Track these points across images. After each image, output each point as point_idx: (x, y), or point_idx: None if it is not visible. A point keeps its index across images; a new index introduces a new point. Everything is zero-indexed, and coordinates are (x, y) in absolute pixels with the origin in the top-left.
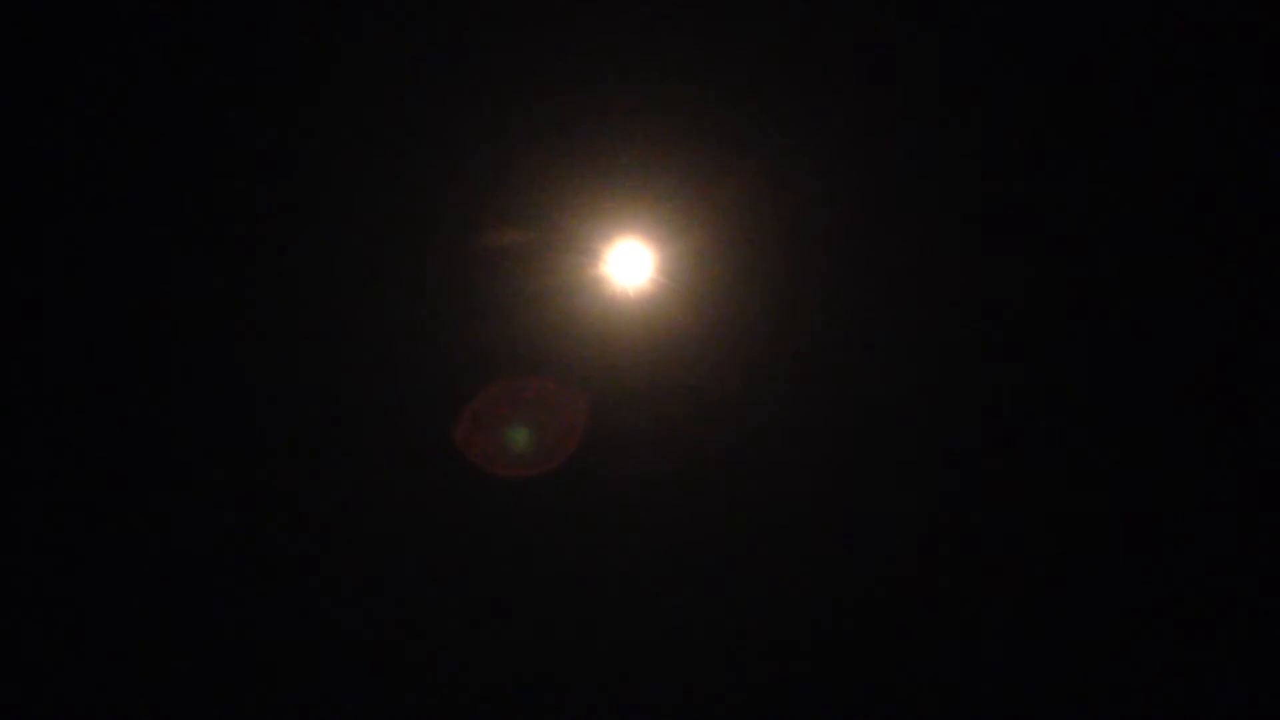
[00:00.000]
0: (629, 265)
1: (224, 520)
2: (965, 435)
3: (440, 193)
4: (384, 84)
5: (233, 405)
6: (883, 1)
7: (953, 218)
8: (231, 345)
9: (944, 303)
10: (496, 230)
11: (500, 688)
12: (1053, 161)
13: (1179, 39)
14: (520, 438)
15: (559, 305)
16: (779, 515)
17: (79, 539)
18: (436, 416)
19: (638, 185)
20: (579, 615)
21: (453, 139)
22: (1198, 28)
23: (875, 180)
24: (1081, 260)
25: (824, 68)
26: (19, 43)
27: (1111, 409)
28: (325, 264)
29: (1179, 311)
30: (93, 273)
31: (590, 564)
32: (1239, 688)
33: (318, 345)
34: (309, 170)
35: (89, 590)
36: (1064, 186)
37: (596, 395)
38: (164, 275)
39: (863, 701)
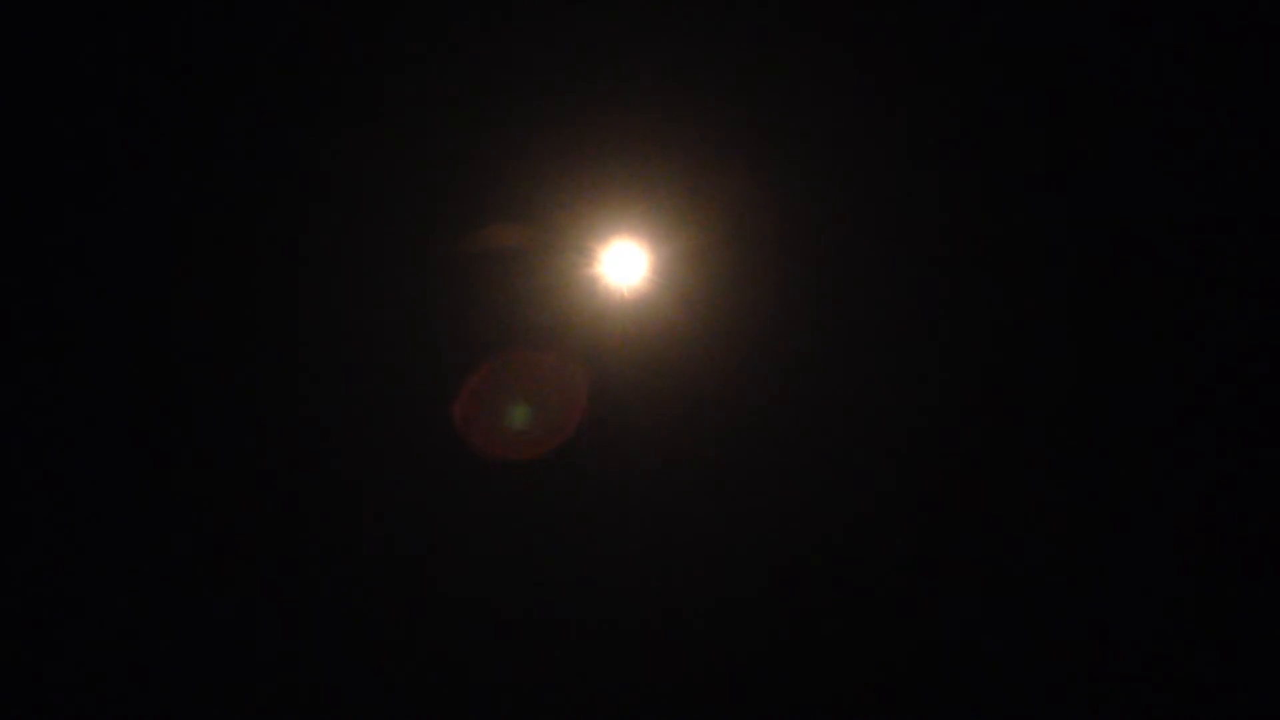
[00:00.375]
0: (623, 265)
1: (221, 520)
2: (960, 434)
3: (434, 192)
4: (377, 83)
5: (227, 404)
6: (879, 2)
7: (949, 217)
8: (227, 344)
9: (940, 301)
10: (490, 230)
11: (495, 683)
12: (1051, 161)
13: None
14: (520, 414)
15: (553, 305)
16: (772, 513)
17: (78, 539)
18: (429, 416)
19: (632, 185)
20: (573, 610)
21: (447, 138)
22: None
23: (870, 180)
24: (1081, 259)
25: (819, 67)
26: (18, 43)
27: (1110, 407)
28: (318, 263)
29: (1177, 310)
30: (88, 267)
31: (582, 561)
32: (1239, 687)
33: (309, 344)
34: (302, 169)
35: (88, 591)
36: (1063, 185)
37: (591, 394)
38: (160, 273)
39: (863, 700)
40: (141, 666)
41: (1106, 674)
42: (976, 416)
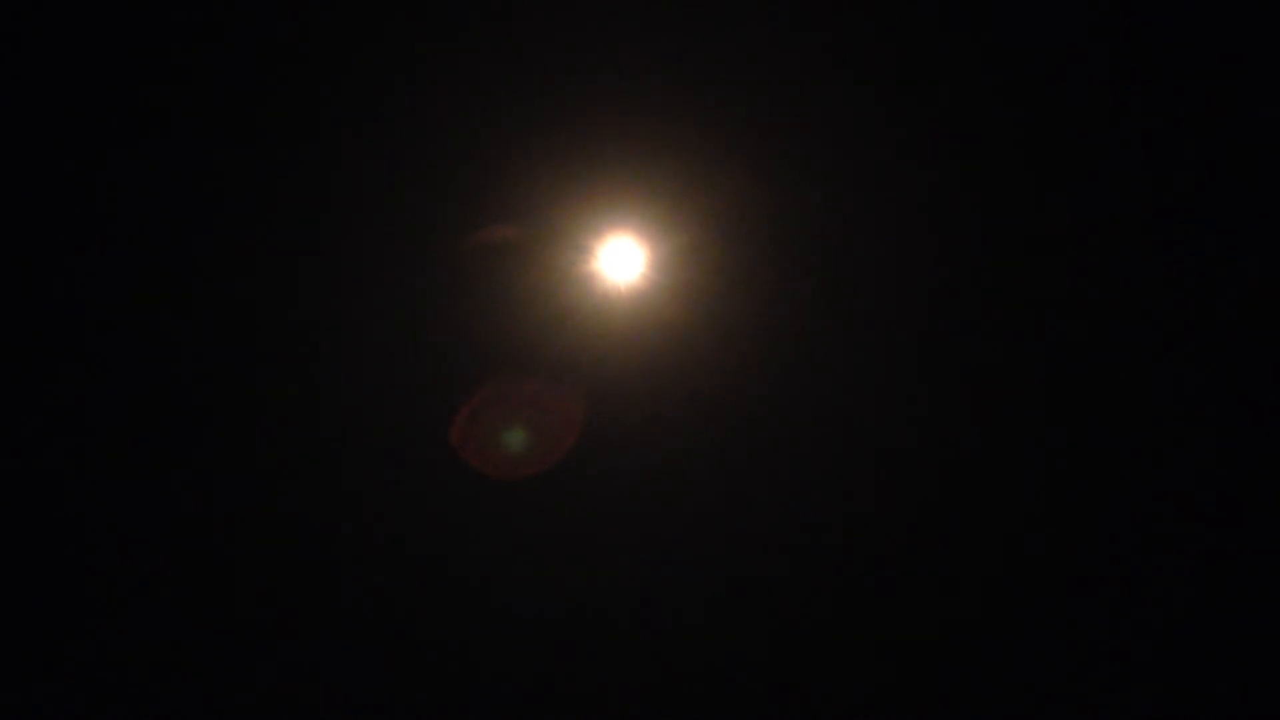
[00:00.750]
0: (620, 261)
1: (217, 521)
2: (957, 430)
3: (430, 188)
4: (373, 80)
5: (223, 403)
6: None
7: (946, 214)
8: (223, 344)
9: (937, 298)
10: (487, 226)
11: (495, 686)
12: (1049, 160)
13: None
14: (516, 439)
15: (550, 301)
16: (769, 510)
17: (78, 538)
18: (425, 411)
19: (629, 181)
20: (570, 607)
21: (443, 134)
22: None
23: (867, 176)
24: (1079, 257)
25: (816, 62)
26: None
27: (1109, 406)
28: (313, 259)
29: (1176, 310)
30: (85, 268)
31: (577, 555)
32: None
33: (303, 339)
34: (300, 165)
35: (86, 590)
36: (1061, 185)
37: (587, 390)
38: (155, 272)
39: (863, 700)
40: (140, 667)
41: (1105, 673)
42: (973, 413)
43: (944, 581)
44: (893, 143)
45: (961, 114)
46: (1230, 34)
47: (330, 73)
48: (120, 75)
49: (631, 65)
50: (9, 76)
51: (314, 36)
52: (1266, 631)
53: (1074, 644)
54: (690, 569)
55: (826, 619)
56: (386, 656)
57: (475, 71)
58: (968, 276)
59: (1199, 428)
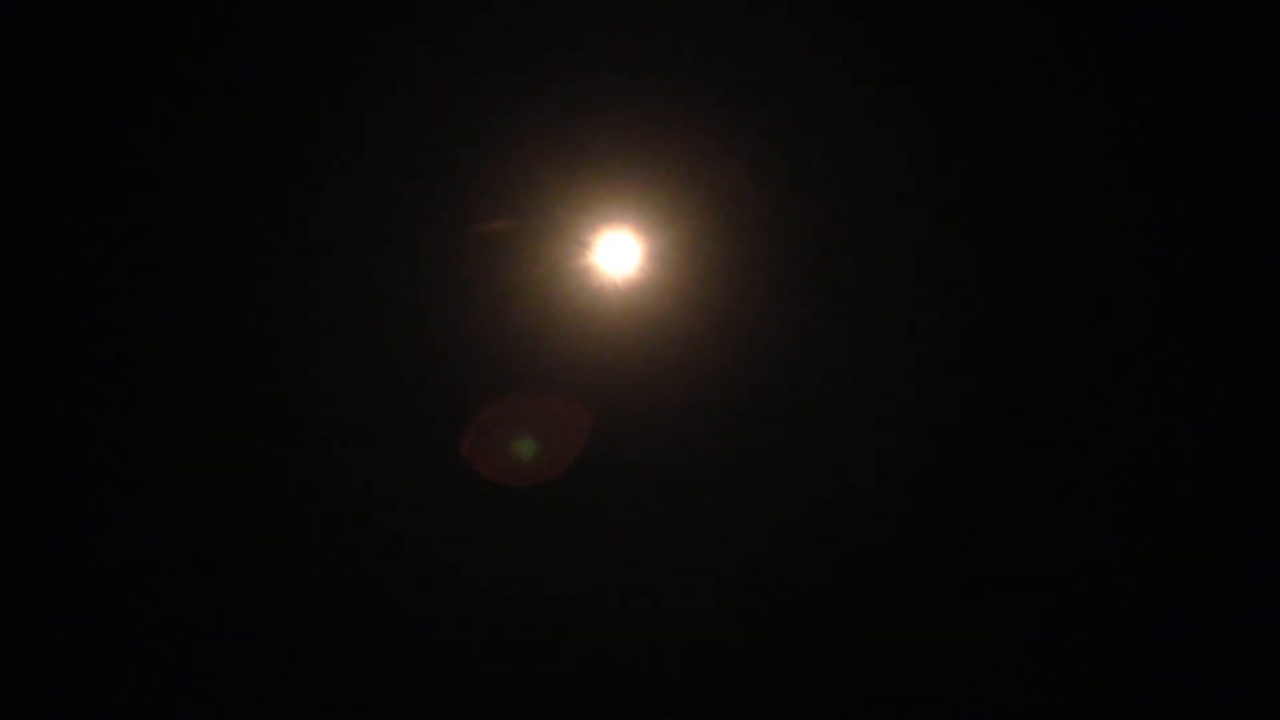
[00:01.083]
0: (618, 255)
1: (215, 524)
2: (959, 424)
3: (428, 183)
4: (370, 76)
5: (221, 403)
6: None
7: (943, 210)
8: (222, 343)
9: (935, 293)
10: (485, 220)
11: (500, 689)
12: (1048, 156)
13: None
14: (525, 451)
15: (547, 295)
16: (769, 504)
17: (76, 538)
18: (423, 407)
19: (626, 175)
20: (566, 604)
21: (440, 129)
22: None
23: (865, 170)
24: (1076, 255)
25: (813, 58)
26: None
27: (1107, 405)
28: (311, 257)
29: (1173, 308)
30: (87, 267)
31: (574, 551)
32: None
33: (300, 334)
34: (297, 161)
35: (85, 590)
36: (1060, 185)
37: (585, 385)
38: (153, 271)
39: (863, 699)
40: (140, 667)
41: (1103, 672)
42: (970, 406)
43: (943, 574)
44: (889, 138)
45: (958, 108)
46: (1230, 34)
47: (328, 69)
48: (121, 75)
49: (628, 60)
50: (9, 76)
51: (313, 34)
52: (1266, 631)
53: (1074, 643)
54: (685, 560)
55: (826, 612)
56: (387, 656)
57: (473, 67)
58: (967, 271)
59: (1199, 428)
